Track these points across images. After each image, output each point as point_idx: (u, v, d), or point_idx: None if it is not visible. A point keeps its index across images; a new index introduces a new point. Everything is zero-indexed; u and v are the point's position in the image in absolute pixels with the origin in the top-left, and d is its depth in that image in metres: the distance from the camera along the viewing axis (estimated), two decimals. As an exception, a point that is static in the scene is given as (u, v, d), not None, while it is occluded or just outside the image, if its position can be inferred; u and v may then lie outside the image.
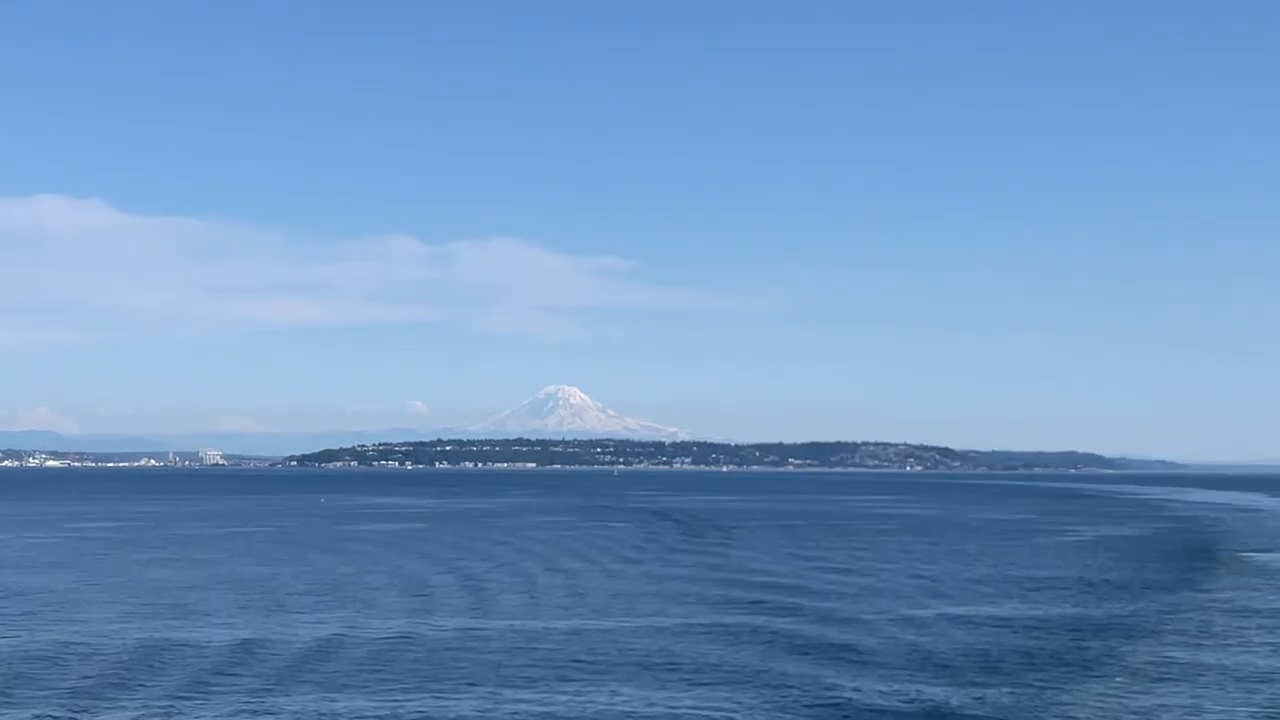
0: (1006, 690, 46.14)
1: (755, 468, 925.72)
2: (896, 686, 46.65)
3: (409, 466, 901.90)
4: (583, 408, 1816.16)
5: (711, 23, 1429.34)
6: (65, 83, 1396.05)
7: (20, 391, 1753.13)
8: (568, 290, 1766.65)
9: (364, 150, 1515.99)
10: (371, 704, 43.39)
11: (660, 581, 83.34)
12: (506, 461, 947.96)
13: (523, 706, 43.12)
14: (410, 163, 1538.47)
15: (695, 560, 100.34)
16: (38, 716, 41.41)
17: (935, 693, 45.51)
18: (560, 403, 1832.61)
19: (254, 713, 42.07)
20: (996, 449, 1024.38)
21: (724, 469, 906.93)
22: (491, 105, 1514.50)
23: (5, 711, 42.23)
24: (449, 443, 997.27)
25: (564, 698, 44.54)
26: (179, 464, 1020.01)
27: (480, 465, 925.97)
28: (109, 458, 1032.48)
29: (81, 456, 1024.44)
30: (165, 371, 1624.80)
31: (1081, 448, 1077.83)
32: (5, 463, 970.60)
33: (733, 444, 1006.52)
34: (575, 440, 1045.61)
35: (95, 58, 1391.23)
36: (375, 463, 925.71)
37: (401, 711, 42.37)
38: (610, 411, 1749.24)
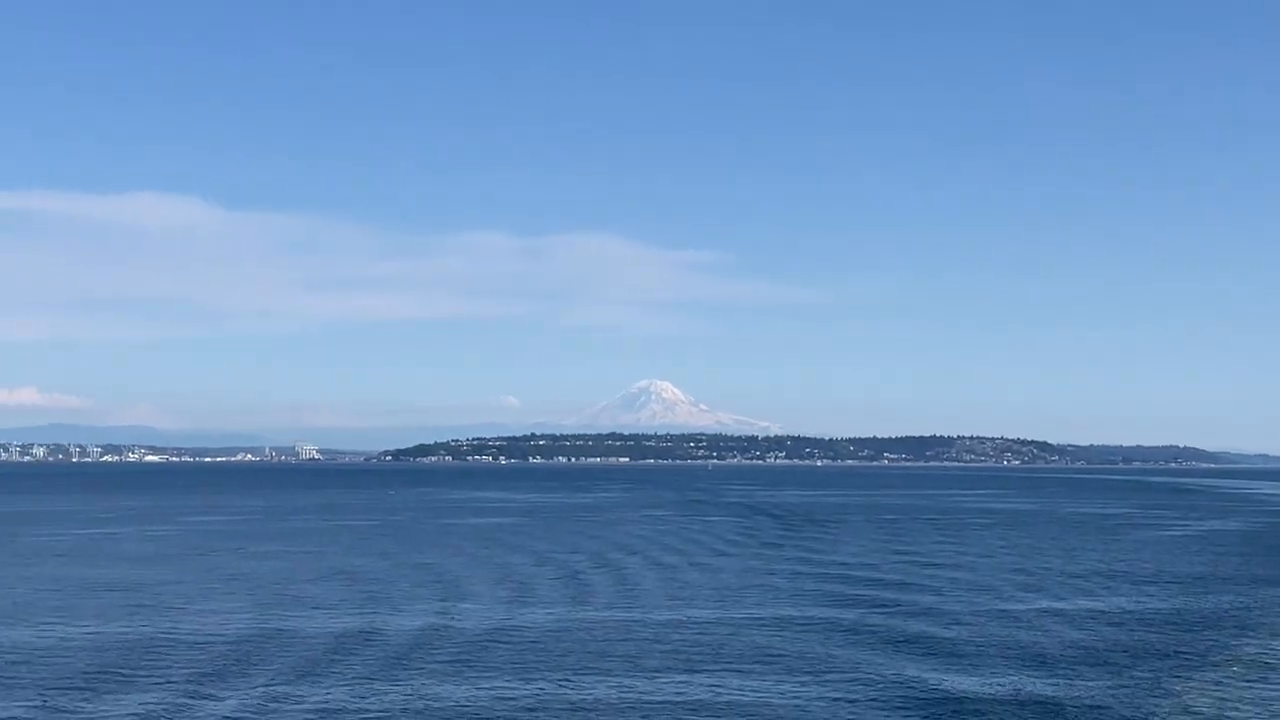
0: (1116, 683, 45.73)
1: (849, 462, 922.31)
2: (999, 680, 46.34)
3: (503, 461, 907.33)
4: (675, 402, 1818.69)
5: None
6: (160, 79, 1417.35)
7: (119, 387, 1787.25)
8: (660, 284, 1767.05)
9: (454, 144, 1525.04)
10: (492, 692, 43.90)
11: (758, 575, 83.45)
12: (600, 456, 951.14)
13: (635, 694, 43.39)
14: (501, 157, 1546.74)
15: (793, 554, 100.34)
16: (171, 697, 42.37)
17: (1039, 686, 45.15)
18: (653, 397, 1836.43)
19: (409, 696, 42.73)
20: (1095, 443, 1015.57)
21: (818, 463, 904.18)
22: (580, 97, 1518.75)
23: (133, 694, 43.23)
24: (542, 437, 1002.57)
25: (672, 686, 44.78)
26: (275, 459, 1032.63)
27: (573, 460, 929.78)
28: (206, 453, 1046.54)
29: (179, 452, 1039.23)
30: (261, 367, 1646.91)
31: (1182, 441, 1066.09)
32: (105, 458, 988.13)
33: (827, 438, 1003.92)
34: (668, 435, 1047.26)
35: (188, 53, 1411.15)
36: (469, 458, 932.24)
37: (542, 696, 42.84)
38: (703, 406, 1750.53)
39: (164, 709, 41.26)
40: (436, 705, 41.98)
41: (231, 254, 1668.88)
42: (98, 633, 57.12)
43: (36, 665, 48.84)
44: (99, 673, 47.28)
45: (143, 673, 47.34)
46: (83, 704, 41.93)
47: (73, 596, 70.72)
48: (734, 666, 49.05)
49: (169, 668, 48.37)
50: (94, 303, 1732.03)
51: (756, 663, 49.92)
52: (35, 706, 41.63)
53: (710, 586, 76.56)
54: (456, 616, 62.45)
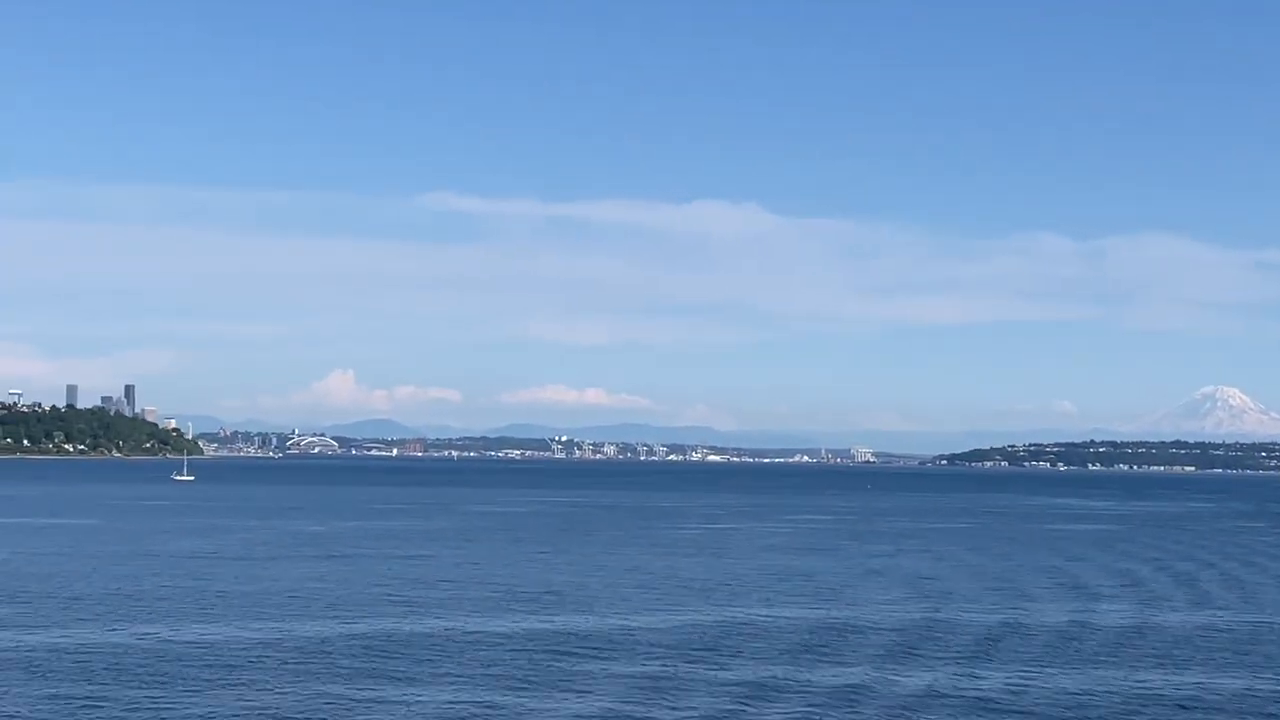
0: None
1: None
2: None
3: (1060, 467, 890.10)
4: (1242, 409, 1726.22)
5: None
6: (713, 89, 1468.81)
7: (682, 389, 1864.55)
8: (1225, 285, 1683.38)
9: (1005, 147, 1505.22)
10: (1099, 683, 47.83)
11: None
12: (1162, 464, 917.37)
13: None
14: (1055, 158, 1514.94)
15: None
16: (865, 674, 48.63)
17: None
18: (1218, 404, 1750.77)
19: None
20: None
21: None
22: (1133, 93, 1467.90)
23: (828, 668, 49.75)
24: (1101, 444, 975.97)
25: None
26: (831, 461, 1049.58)
27: (1134, 468, 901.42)
28: (763, 453, 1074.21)
29: (739, 452, 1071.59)
30: (816, 370, 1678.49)
31: None
32: (671, 457, 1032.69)
33: None
34: (1237, 443, 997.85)
35: (747, 64, 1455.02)
36: (1026, 463, 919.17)
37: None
38: (1273, 413, 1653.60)
39: (862, 684, 47.52)
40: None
41: (790, 259, 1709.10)
42: (790, 616, 64.53)
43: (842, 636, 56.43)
44: (805, 651, 54.27)
45: (846, 651, 54.05)
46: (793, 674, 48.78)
47: (778, 581, 79.18)
48: None
49: (853, 650, 54.88)
50: (658, 308, 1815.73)
51: None
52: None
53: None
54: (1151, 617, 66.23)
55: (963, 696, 45.41)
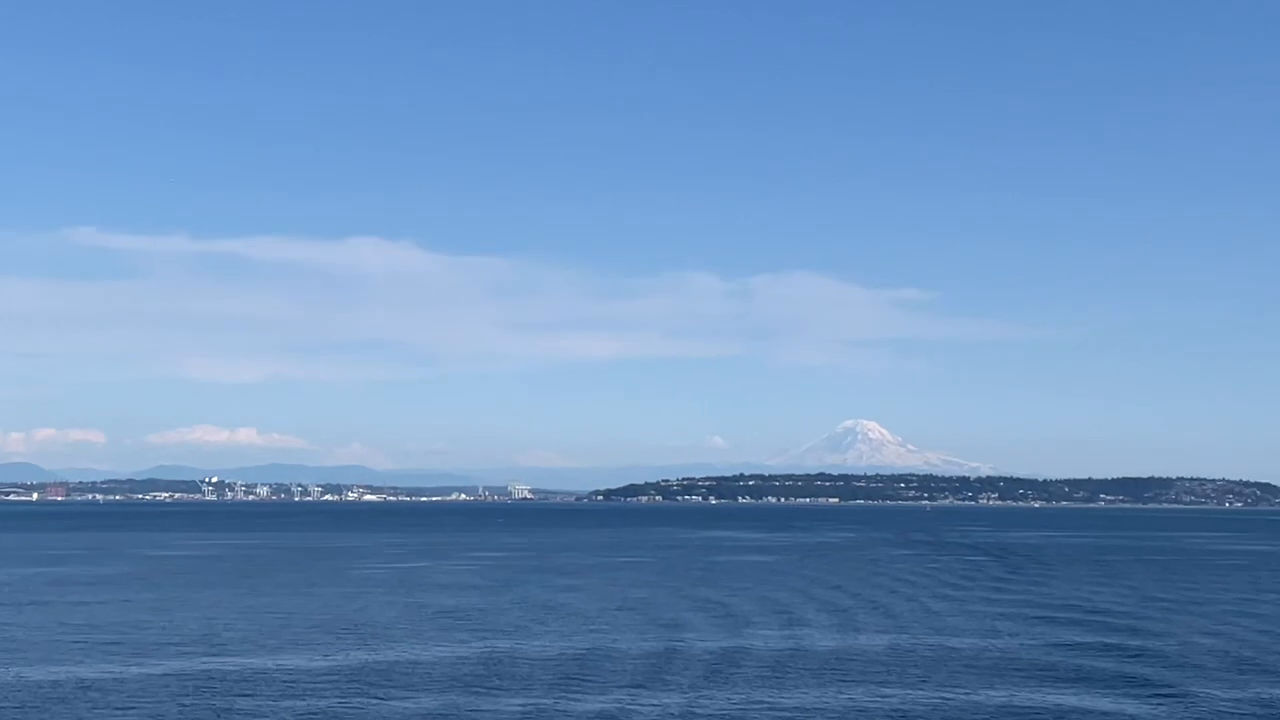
0: None
1: (1064, 503, 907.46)
2: None
3: (712, 501, 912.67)
4: (882, 442, 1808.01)
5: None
6: (374, 128, 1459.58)
7: (338, 428, 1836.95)
8: (866, 323, 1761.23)
9: (659, 186, 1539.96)
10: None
11: (990, 617, 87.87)
12: (808, 496, 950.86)
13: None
14: (707, 198, 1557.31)
15: (1021, 593, 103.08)
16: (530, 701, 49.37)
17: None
18: (859, 437, 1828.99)
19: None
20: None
21: (1034, 504, 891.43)
22: (781, 134, 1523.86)
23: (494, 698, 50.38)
24: (751, 477, 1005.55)
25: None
26: (488, 498, 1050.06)
27: (782, 500, 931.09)
28: (421, 492, 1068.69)
29: (395, 491, 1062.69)
30: (474, 407, 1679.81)
31: None
32: (326, 497, 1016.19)
33: (1040, 479, 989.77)
34: (878, 475, 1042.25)
35: (408, 103, 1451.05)
36: (679, 497, 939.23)
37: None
38: (910, 446, 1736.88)
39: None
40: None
41: (446, 297, 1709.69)
42: (451, 654, 64.73)
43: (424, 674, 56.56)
44: (457, 683, 54.72)
45: (506, 682, 54.71)
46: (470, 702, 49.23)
47: (427, 621, 78.86)
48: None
49: (526, 678, 55.67)
50: (313, 346, 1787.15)
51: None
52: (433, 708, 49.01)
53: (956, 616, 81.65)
54: (806, 639, 68.77)
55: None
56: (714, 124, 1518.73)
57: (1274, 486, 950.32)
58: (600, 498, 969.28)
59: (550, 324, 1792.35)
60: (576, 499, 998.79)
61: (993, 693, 53.06)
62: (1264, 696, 52.20)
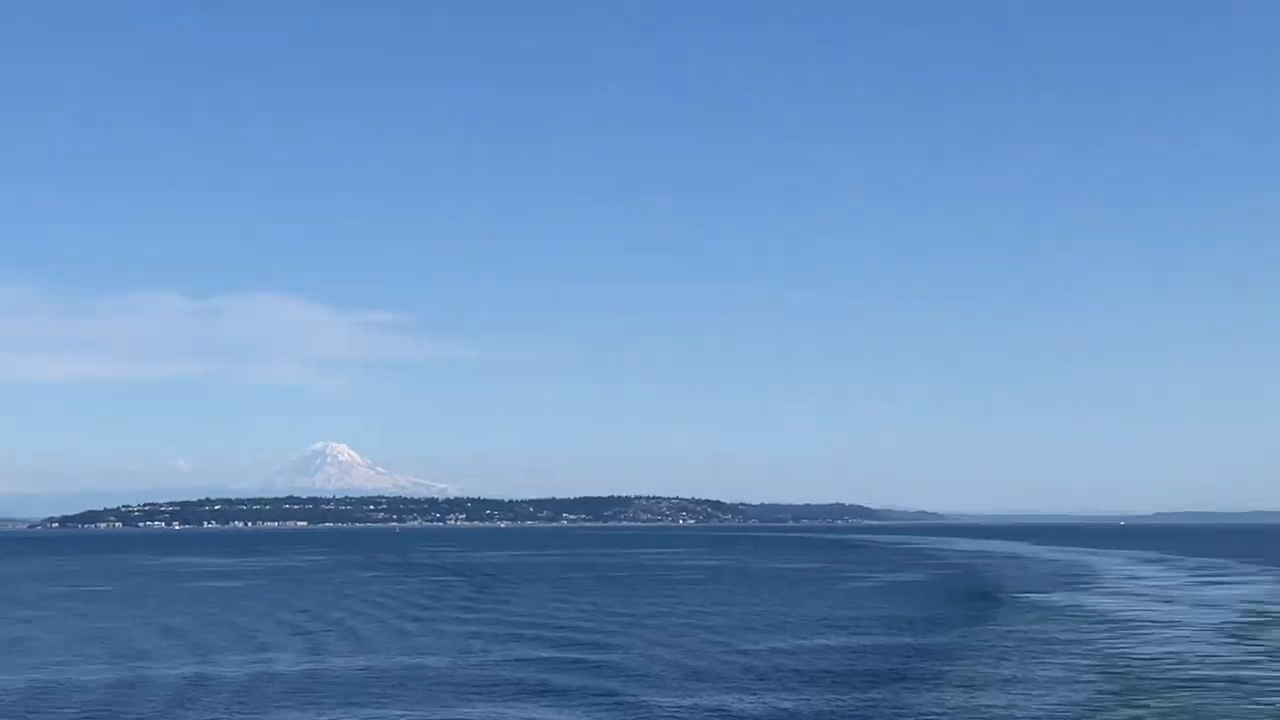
0: (851, 697, 55.21)
1: (530, 523, 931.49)
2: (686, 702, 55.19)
3: (176, 527, 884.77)
4: (351, 464, 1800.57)
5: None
6: None
7: None
8: (333, 344, 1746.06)
9: (120, 198, 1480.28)
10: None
11: (461, 635, 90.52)
12: (277, 520, 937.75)
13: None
14: (169, 212, 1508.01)
15: (489, 611, 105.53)
16: None
17: (783, 701, 54.19)
18: (328, 459, 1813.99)
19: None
20: (765, 502, 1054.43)
21: (500, 524, 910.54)
22: (251, 153, 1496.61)
23: None
24: (217, 502, 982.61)
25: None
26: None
27: (250, 524, 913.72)
28: None
29: None
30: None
31: (848, 499, 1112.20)
32: None
33: (507, 499, 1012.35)
34: (347, 498, 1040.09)
35: None
36: (141, 524, 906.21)
37: None
38: (380, 469, 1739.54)
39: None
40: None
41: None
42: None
43: None
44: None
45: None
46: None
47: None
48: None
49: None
50: None
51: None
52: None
53: (434, 636, 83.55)
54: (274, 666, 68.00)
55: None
56: (176, 125, 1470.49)
57: (722, 503, 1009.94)
58: (56, 525, 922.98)
59: (3, 342, 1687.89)
60: (30, 526, 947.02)
61: (469, 709, 54.48)
62: (713, 704, 55.75)
